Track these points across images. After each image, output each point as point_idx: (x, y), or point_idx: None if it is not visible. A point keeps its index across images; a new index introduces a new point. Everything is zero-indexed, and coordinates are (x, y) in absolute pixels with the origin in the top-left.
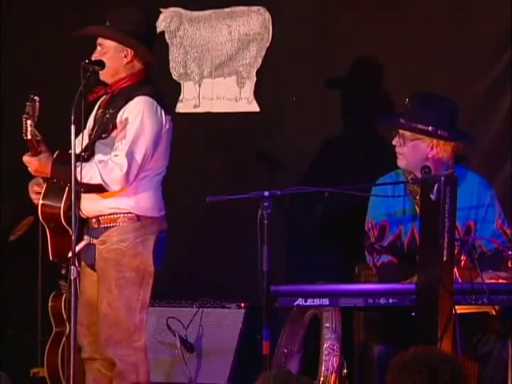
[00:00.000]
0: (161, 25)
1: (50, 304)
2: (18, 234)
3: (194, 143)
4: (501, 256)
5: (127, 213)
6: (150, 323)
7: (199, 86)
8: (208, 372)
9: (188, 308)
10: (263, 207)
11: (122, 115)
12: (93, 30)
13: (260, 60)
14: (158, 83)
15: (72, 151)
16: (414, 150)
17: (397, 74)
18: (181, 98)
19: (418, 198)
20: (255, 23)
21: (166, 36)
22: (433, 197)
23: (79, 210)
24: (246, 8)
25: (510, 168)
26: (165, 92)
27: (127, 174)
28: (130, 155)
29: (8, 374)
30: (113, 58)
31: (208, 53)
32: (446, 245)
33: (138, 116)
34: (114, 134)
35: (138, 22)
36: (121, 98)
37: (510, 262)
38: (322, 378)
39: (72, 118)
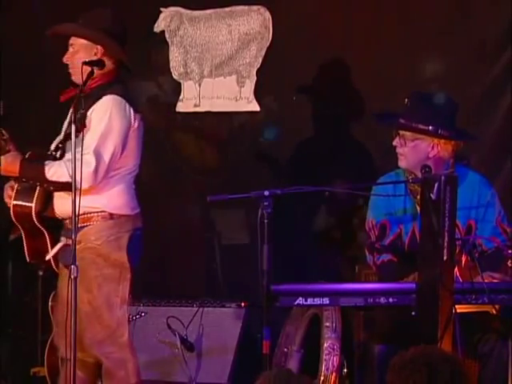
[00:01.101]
0: (161, 24)
1: (50, 304)
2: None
3: (193, 143)
4: (501, 255)
5: (100, 211)
6: (150, 323)
7: (199, 85)
8: (208, 371)
9: (188, 307)
10: (263, 206)
11: (90, 114)
12: (63, 27)
13: (260, 59)
14: (158, 83)
15: (72, 151)
16: (415, 150)
17: (397, 73)
18: (181, 97)
19: (418, 197)
20: (255, 22)
21: (167, 35)
22: (433, 196)
23: (52, 210)
24: (246, 7)
25: (510, 167)
26: (165, 91)
27: (96, 171)
28: (98, 153)
29: (8, 373)
30: (83, 57)
31: (208, 52)
32: (446, 244)
33: (106, 114)
34: (83, 133)
35: (109, 20)
36: (90, 98)
37: (509, 262)
38: (322, 378)
39: (72, 117)
